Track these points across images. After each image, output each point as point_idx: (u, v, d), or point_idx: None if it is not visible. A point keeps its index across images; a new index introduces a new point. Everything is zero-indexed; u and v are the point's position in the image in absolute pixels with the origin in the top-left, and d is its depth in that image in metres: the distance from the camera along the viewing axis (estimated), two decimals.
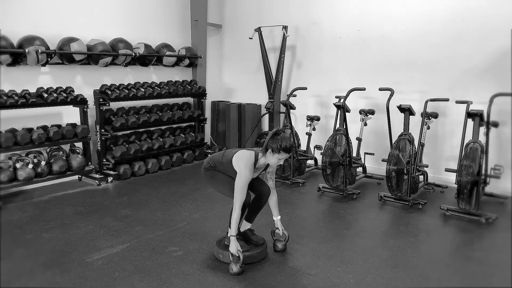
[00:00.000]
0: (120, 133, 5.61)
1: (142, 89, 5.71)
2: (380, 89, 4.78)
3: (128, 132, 5.74)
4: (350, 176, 4.89)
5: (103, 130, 5.30)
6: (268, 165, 3.13)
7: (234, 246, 2.94)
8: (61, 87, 4.95)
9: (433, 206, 4.36)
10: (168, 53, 6.11)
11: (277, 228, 3.33)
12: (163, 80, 6.34)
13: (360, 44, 5.72)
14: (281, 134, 2.95)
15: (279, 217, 3.31)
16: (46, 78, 5.06)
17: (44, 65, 4.89)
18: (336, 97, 5.38)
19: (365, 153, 5.36)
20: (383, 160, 4.65)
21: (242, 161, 2.94)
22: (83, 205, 4.39)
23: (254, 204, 3.22)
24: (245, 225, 3.30)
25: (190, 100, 6.83)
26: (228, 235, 3.02)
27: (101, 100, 5.24)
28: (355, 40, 5.76)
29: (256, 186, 3.20)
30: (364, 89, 4.85)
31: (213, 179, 3.17)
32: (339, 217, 4.14)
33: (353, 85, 5.04)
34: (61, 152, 5.00)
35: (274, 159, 2.95)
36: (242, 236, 3.27)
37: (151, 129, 5.98)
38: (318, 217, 4.26)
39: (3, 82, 4.63)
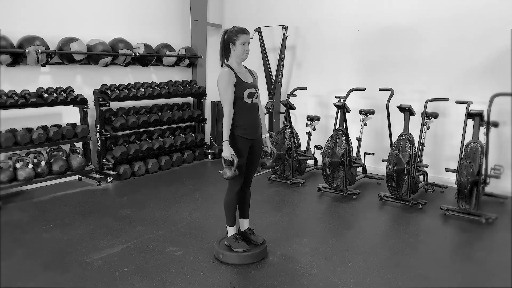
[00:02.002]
0: (120, 133, 5.61)
1: (142, 89, 5.71)
2: (380, 89, 4.78)
3: (128, 132, 5.74)
4: (350, 176, 4.89)
5: (103, 130, 5.30)
6: (252, 73, 3.11)
7: (227, 150, 2.92)
8: (61, 87, 4.95)
9: (433, 206, 4.36)
10: (168, 53, 6.11)
11: (266, 146, 3.29)
12: (163, 80, 6.34)
13: (360, 44, 5.72)
14: (227, 28, 3.02)
15: (267, 134, 3.28)
16: (46, 78, 5.06)
17: (44, 65, 4.89)
18: (336, 97, 5.38)
19: (365, 153, 5.36)
20: (383, 160, 4.65)
21: (218, 76, 2.98)
22: (83, 205, 4.39)
23: (241, 197, 3.21)
24: (244, 224, 3.30)
25: (190, 100, 6.83)
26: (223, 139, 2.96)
27: (101, 100, 5.24)
28: (355, 40, 5.76)
29: (247, 177, 3.17)
30: (364, 89, 4.85)
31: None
32: (339, 217, 4.14)
33: (353, 85, 5.04)
34: (61, 152, 5.00)
35: (238, 49, 2.96)
36: (242, 236, 3.27)
37: (151, 129, 5.98)
38: (318, 217, 4.26)
39: (3, 82, 4.63)
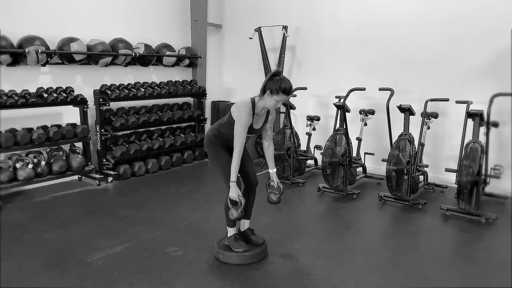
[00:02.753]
0: (120, 133, 5.61)
1: (142, 89, 5.71)
2: (380, 89, 4.78)
3: (128, 132, 5.74)
4: (350, 176, 4.89)
5: (103, 130, 5.30)
6: (268, 113, 3.07)
7: (235, 191, 2.92)
8: (61, 87, 4.95)
9: (433, 206, 4.36)
10: (168, 53, 6.11)
11: (272, 180, 3.27)
12: (163, 80, 6.34)
13: (360, 44, 5.72)
14: (280, 75, 2.90)
15: (274, 169, 3.25)
16: (46, 78, 5.07)
17: (44, 65, 4.89)
18: (336, 97, 5.37)
19: (365, 153, 5.36)
20: (383, 160, 4.65)
21: (239, 106, 2.91)
22: (83, 205, 4.39)
23: (245, 198, 3.20)
24: (244, 224, 3.30)
25: (190, 100, 6.83)
26: (230, 181, 2.95)
27: (101, 100, 5.24)
28: (355, 40, 5.76)
29: (248, 172, 3.18)
30: (364, 89, 4.85)
31: (215, 154, 3.11)
32: (339, 217, 4.14)
33: (353, 85, 5.04)
34: (61, 152, 5.00)
35: (272, 101, 2.88)
36: (242, 236, 3.27)
37: (151, 129, 5.98)
38: (318, 217, 4.26)
39: (3, 82, 4.63)
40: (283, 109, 5.72)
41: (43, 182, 4.82)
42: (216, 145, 3.12)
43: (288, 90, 2.86)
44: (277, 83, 2.83)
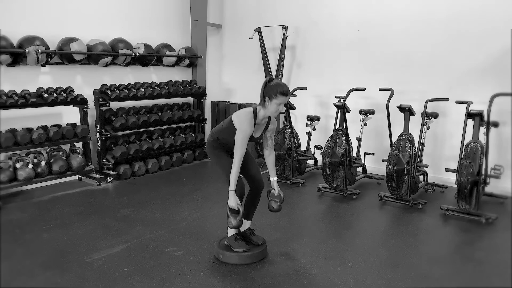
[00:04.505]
0: (120, 133, 5.61)
1: (142, 89, 5.71)
2: (380, 89, 4.78)
3: (128, 132, 5.74)
4: (350, 176, 4.89)
5: (103, 130, 5.30)
6: (269, 123, 3.09)
7: (233, 200, 2.93)
8: (61, 87, 4.95)
9: (433, 206, 4.36)
10: (168, 53, 6.11)
11: (273, 188, 3.27)
12: (163, 80, 6.34)
13: (360, 44, 5.72)
14: (274, 80, 2.94)
15: (275, 178, 3.26)
16: (46, 78, 5.06)
17: (44, 65, 4.89)
18: (336, 97, 5.38)
19: (365, 153, 5.36)
20: (383, 160, 4.65)
21: (241, 115, 2.93)
22: (83, 205, 4.39)
23: (250, 200, 3.22)
24: (245, 224, 3.30)
25: (190, 100, 6.83)
26: (229, 189, 2.96)
27: (101, 100, 5.24)
28: (355, 40, 5.76)
29: (252, 174, 3.19)
30: (364, 89, 4.85)
31: (217, 158, 3.15)
32: (339, 217, 4.14)
33: (353, 85, 5.04)
34: (61, 152, 5.00)
35: (273, 106, 2.90)
36: (242, 236, 3.27)
37: (151, 129, 5.98)
38: (318, 217, 4.26)
39: (3, 82, 4.63)
40: (283, 109, 5.71)
41: (43, 182, 4.82)
42: (217, 149, 3.15)
43: (285, 91, 2.89)
44: (273, 88, 2.88)
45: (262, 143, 3.25)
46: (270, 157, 3.22)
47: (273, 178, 3.26)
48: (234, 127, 2.95)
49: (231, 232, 3.19)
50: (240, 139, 2.90)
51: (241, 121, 2.91)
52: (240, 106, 6.75)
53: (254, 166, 3.23)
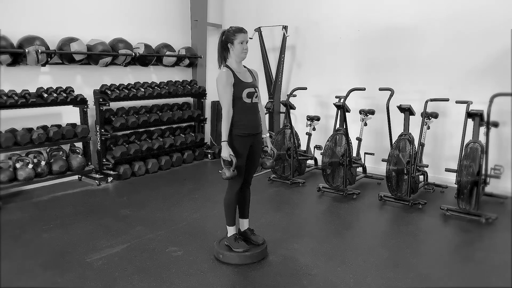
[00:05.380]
0: (120, 133, 5.61)
1: (142, 89, 5.71)
2: (380, 89, 4.78)
3: (128, 132, 5.74)
4: (350, 176, 4.89)
5: (103, 130, 5.30)
6: (252, 72, 3.12)
7: (226, 151, 2.93)
8: (61, 87, 4.95)
9: (433, 206, 4.36)
10: (168, 53, 6.11)
11: (266, 145, 3.28)
12: (163, 80, 6.34)
13: (360, 44, 5.72)
14: (225, 29, 3.05)
15: (267, 134, 3.27)
16: (46, 78, 5.06)
17: (44, 65, 4.89)
18: (336, 97, 5.37)
19: (365, 153, 5.35)
20: (383, 160, 4.65)
21: (218, 79, 2.96)
22: (83, 205, 4.39)
23: (241, 196, 3.22)
24: (244, 224, 3.31)
25: (190, 100, 6.83)
26: (222, 139, 2.97)
27: (101, 100, 5.24)
28: (355, 40, 5.76)
29: (248, 176, 3.18)
30: (364, 89, 4.84)
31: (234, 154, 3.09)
32: (339, 217, 4.14)
33: (353, 85, 5.04)
34: (61, 152, 5.00)
35: (238, 47, 2.96)
36: (242, 236, 3.27)
37: (151, 129, 5.98)
38: (318, 217, 4.26)
39: (3, 82, 4.63)
40: (283, 109, 5.73)
41: (43, 182, 4.82)
42: (233, 141, 3.00)
43: (240, 28, 3.00)
44: (228, 32, 3.00)
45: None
46: (261, 113, 3.20)
47: (266, 135, 3.25)
48: (221, 90, 2.95)
49: (231, 232, 3.19)
50: (221, 88, 2.93)
51: (217, 78, 2.96)
52: None
53: (252, 175, 3.24)
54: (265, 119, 3.26)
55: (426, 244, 3.53)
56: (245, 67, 3.13)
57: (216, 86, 2.98)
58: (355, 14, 5.72)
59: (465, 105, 4.33)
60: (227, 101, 2.94)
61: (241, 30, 2.98)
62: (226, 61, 3.06)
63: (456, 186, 4.06)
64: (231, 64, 3.03)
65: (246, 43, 3.00)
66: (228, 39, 2.99)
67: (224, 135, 2.94)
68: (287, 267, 3.06)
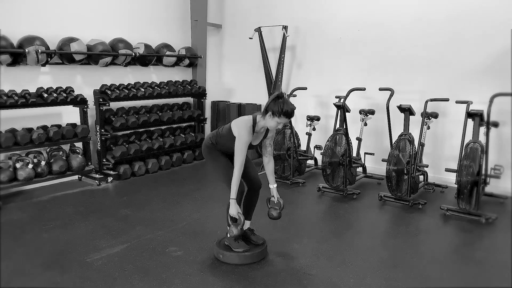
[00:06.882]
0: (120, 133, 5.61)
1: (142, 89, 5.71)
2: (380, 89, 4.78)
3: (128, 132, 5.74)
4: (350, 176, 4.89)
5: (103, 130, 5.30)
6: (267, 131, 3.09)
7: (234, 209, 2.93)
8: (61, 87, 4.95)
9: (433, 206, 4.36)
10: (168, 53, 6.11)
11: (273, 196, 3.26)
12: (163, 80, 6.34)
13: (360, 44, 5.71)
14: (284, 98, 2.89)
15: (275, 185, 3.24)
16: (46, 78, 5.06)
17: (44, 65, 4.89)
18: (336, 97, 5.38)
19: (365, 153, 5.36)
20: (383, 160, 4.65)
21: (240, 124, 2.92)
22: (83, 205, 4.39)
23: (249, 199, 3.22)
24: (245, 224, 3.30)
25: (190, 100, 6.83)
26: (229, 198, 2.98)
27: (101, 100, 5.24)
28: (355, 40, 5.76)
29: (250, 176, 3.18)
30: (364, 89, 4.85)
31: (213, 161, 3.16)
32: (339, 217, 4.14)
33: (353, 85, 5.04)
34: (61, 152, 5.00)
35: (273, 123, 2.89)
36: (242, 236, 3.27)
37: (151, 129, 5.98)
38: (318, 217, 4.26)
39: (3, 82, 4.63)
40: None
41: (43, 182, 4.82)
42: (214, 152, 3.15)
43: (290, 113, 2.86)
44: (279, 106, 2.83)
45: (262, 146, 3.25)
46: (269, 164, 3.21)
47: (273, 186, 3.24)
48: (233, 135, 2.95)
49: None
50: (240, 148, 2.89)
51: (240, 130, 2.90)
52: (240, 106, 6.75)
53: (252, 169, 3.24)
54: (273, 171, 3.23)
55: (426, 244, 3.53)
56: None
57: (237, 133, 2.92)
58: (355, 14, 5.72)
59: (465, 105, 4.33)
60: (241, 160, 2.90)
61: (288, 116, 2.86)
62: (264, 115, 2.91)
63: (456, 186, 4.06)
64: (259, 122, 2.96)
65: (283, 124, 2.95)
66: (272, 110, 2.85)
67: (233, 193, 2.93)
68: (287, 267, 3.06)
